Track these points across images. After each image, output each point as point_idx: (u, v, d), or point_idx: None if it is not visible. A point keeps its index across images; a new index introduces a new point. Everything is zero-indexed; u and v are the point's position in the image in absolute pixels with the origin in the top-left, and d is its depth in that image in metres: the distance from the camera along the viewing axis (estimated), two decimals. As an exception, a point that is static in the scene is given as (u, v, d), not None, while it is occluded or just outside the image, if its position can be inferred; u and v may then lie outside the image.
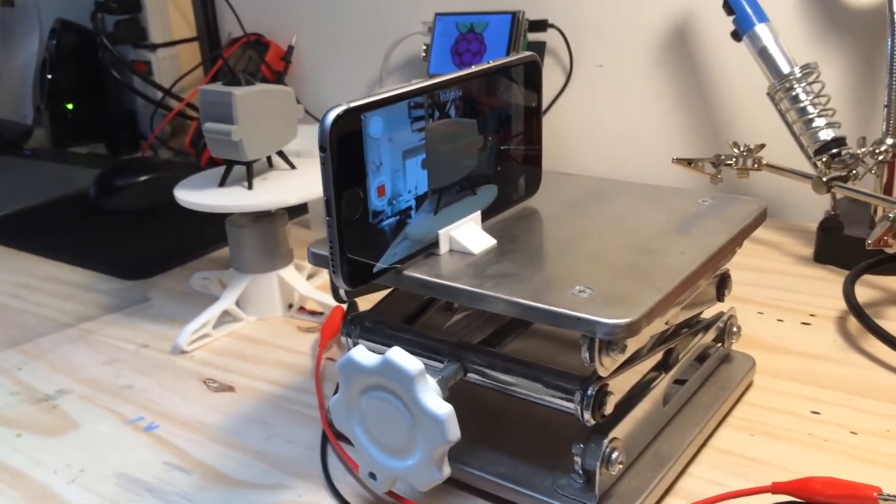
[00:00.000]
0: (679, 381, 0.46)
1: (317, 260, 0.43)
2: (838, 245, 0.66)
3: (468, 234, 0.42)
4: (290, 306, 0.64)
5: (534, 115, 0.46)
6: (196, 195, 0.59)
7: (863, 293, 0.59)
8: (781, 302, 0.61)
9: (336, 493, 0.42)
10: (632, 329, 0.34)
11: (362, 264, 0.38)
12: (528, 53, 0.46)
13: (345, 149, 0.35)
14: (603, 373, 0.37)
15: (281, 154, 0.64)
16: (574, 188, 0.51)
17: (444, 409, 0.35)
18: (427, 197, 0.40)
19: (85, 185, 0.92)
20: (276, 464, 0.45)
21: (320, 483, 0.43)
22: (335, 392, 0.50)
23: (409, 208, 0.39)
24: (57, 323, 0.64)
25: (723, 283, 0.48)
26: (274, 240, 0.62)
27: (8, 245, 0.82)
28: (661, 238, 0.43)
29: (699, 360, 0.48)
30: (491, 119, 0.44)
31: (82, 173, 1.04)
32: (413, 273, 0.39)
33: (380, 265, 0.39)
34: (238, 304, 0.62)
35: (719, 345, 0.50)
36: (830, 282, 0.63)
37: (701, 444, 0.44)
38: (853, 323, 0.56)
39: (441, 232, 0.41)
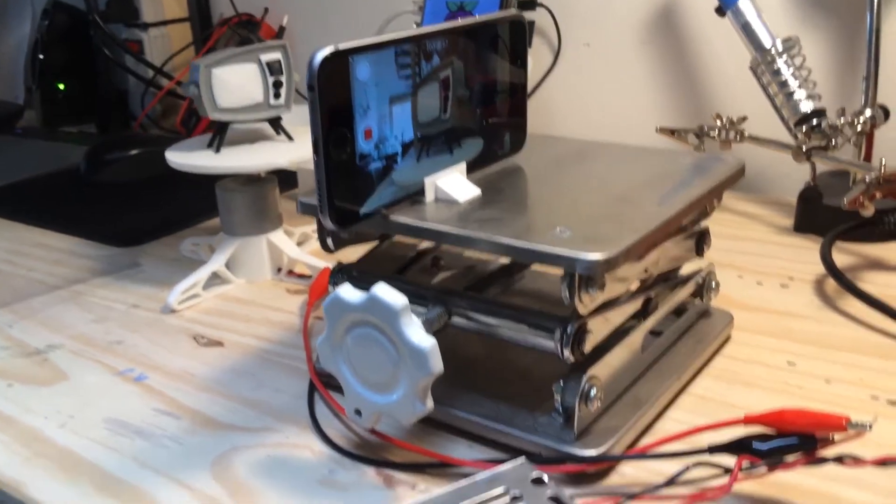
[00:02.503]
0: (657, 334, 0.47)
1: (306, 209, 0.44)
2: (817, 214, 0.67)
3: (453, 183, 0.43)
4: (279, 270, 0.65)
5: (519, 74, 0.48)
6: (187, 157, 0.60)
7: (840, 259, 0.60)
8: (760, 267, 0.62)
9: (323, 435, 0.43)
10: (609, 265, 0.35)
11: (349, 206, 0.39)
12: (513, 11, 0.47)
13: (332, 89, 0.36)
14: (582, 310, 0.38)
15: (277, 125, 0.64)
16: (558, 148, 0.52)
17: (427, 341, 0.36)
18: (413, 145, 0.41)
19: (75, 161, 0.93)
20: (265, 410, 0.46)
21: (307, 427, 0.44)
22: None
23: (396, 154, 0.40)
24: (47, 286, 0.65)
25: (702, 239, 0.49)
26: (264, 203, 0.63)
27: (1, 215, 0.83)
28: (641, 190, 0.44)
29: (677, 315, 0.49)
30: (477, 74, 0.45)
31: (73, 150, 1.05)
32: (399, 218, 0.41)
33: (366, 208, 0.40)
34: (228, 267, 0.63)
35: (697, 300, 0.51)
36: (809, 249, 0.64)
37: (678, 391, 0.45)
38: (831, 285, 0.58)
39: (427, 179, 0.42)
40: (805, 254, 0.64)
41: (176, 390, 0.49)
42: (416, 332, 0.36)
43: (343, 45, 0.37)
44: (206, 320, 0.58)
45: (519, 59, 0.47)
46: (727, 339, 0.51)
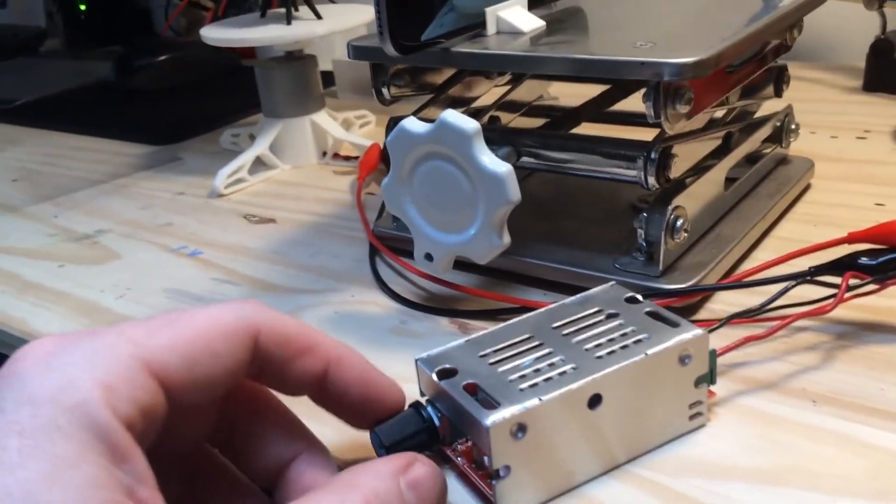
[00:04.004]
0: (735, 180, 0.44)
1: (359, 53, 0.41)
2: (889, 69, 0.63)
3: (516, 14, 0.40)
4: (325, 154, 0.62)
5: None
6: (223, 32, 0.57)
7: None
8: (833, 123, 0.58)
9: (389, 290, 0.41)
10: (700, 68, 0.32)
11: (409, 30, 0.36)
12: None
13: None
14: (668, 127, 0.35)
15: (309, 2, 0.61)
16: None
17: (503, 166, 0.33)
18: (473, -33, 0.38)
19: (103, 76, 0.90)
20: (325, 273, 0.44)
21: (372, 286, 0.42)
22: (379, 212, 0.49)
23: (455, -24, 0.37)
24: (89, 181, 0.63)
25: (780, 77, 0.46)
26: (305, 81, 0.60)
27: (33, 126, 0.81)
28: (718, 9, 0.40)
29: (757, 161, 0.46)
30: None
31: (100, 66, 1.02)
32: (462, 48, 0.38)
33: (427, 35, 0.37)
34: (272, 151, 0.61)
35: (776, 145, 0.48)
36: (883, 104, 0.61)
37: (763, 233, 0.43)
38: (912, 133, 0.54)
39: (488, 10, 0.39)
40: (879, 108, 0.60)
41: (232, 261, 0.47)
42: (491, 158, 0.33)
43: None
44: (256, 201, 0.56)
45: None
46: (808, 186, 0.48)
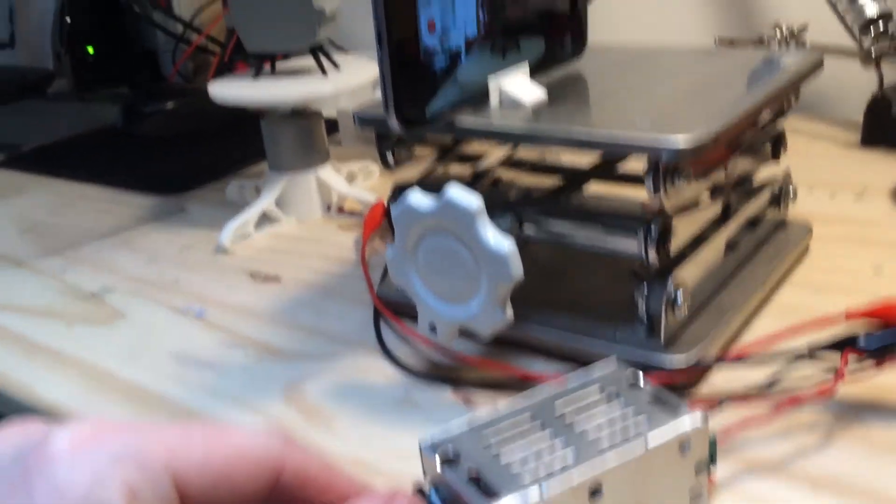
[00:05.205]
0: (734, 246, 0.44)
1: (364, 122, 0.42)
2: (887, 125, 0.64)
3: (518, 84, 0.41)
4: (329, 208, 0.63)
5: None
6: (230, 89, 0.58)
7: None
8: (831, 180, 0.59)
9: (393, 358, 0.42)
10: (698, 150, 0.33)
11: (414, 106, 0.37)
12: None
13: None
14: (667, 204, 0.35)
15: (318, 55, 0.62)
16: (619, 54, 0.49)
17: (506, 244, 0.34)
18: (476, 41, 0.39)
19: (110, 121, 0.91)
20: (330, 338, 0.45)
21: (376, 352, 0.43)
22: (383, 274, 0.49)
23: (459, 51, 0.38)
24: (96, 233, 0.64)
25: (779, 141, 0.47)
26: (311, 137, 0.61)
27: (40, 173, 0.82)
28: (716, 84, 0.41)
29: (755, 226, 0.47)
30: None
31: (107, 110, 1.04)
32: (467, 120, 0.38)
33: (432, 109, 0.37)
34: (277, 205, 0.61)
35: (774, 209, 0.48)
36: (881, 161, 0.61)
37: (763, 300, 0.43)
38: (910, 192, 0.55)
39: (491, 81, 0.40)
40: (876, 165, 0.61)
41: (238, 323, 0.47)
42: (494, 235, 0.34)
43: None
44: (261, 258, 0.57)
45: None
46: (806, 250, 0.49)
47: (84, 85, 1.20)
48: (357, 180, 0.68)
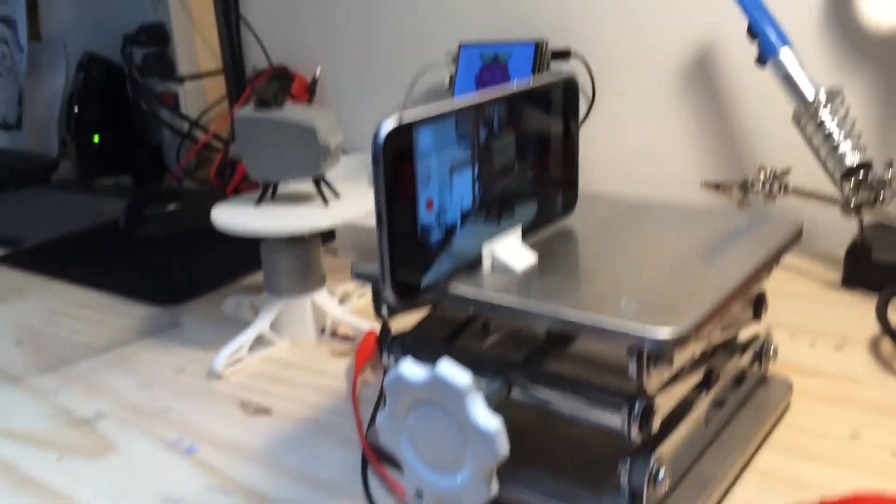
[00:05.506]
0: (718, 404, 0.46)
1: (362, 278, 0.44)
2: (866, 270, 0.66)
3: (510, 250, 0.43)
4: (323, 331, 0.64)
5: (571, 134, 0.47)
6: (233, 218, 0.60)
7: (893, 317, 0.59)
8: (812, 325, 0.61)
9: (379, 513, 0.42)
10: (679, 343, 0.35)
11: (410, 279, 0.38)
12: (565, 74, 0.47)
13: (396, 162, 0.36)
14: (650, 388, 0.37)
15: (320, 184, 0.64)
16: (608, 208, 0.51)
17: (494, 423, 0.35)
18: (471, 213, 0.41)
19: (112, 214, 0.93)
20: (318, 486, 0.45)
21: (363, 502, 0.43)
22: (373, 414, 0.51)
23: (455, 224, 0.40)
24: (91, 348, 0.65)
25: (759, 303, 0.48)
26: (308, 263, 0.63)
27: (39, 273, 0.83)
28: (700, 255, 0.43)
29: (736, 384, 0.48)
30: (531, 137, 0.45)
31: (110, 203, 1.06)
32: (459, 290, 0.40)
33: (427, 281, 0.39)
34: (272, 327, 0.63)
35: (756, 365, 0.50)
36: (860, 306, 0.63)
37: (743, 466, 0.44)
38: (887, 346, 0.56)
39: (485, 249, 0.42)
40: (856, 311, 0.62)
41: (227, 464, 0.48)
42: (483, 414, 0.35)
43: (407, 117, 0.36)
44: (252, 385, 0.57)
45: (571, 120, 0.47)
46: (787, 408, 0.50)
47: (88, 172, 1.23)
48: (351, 299, 0.70)
